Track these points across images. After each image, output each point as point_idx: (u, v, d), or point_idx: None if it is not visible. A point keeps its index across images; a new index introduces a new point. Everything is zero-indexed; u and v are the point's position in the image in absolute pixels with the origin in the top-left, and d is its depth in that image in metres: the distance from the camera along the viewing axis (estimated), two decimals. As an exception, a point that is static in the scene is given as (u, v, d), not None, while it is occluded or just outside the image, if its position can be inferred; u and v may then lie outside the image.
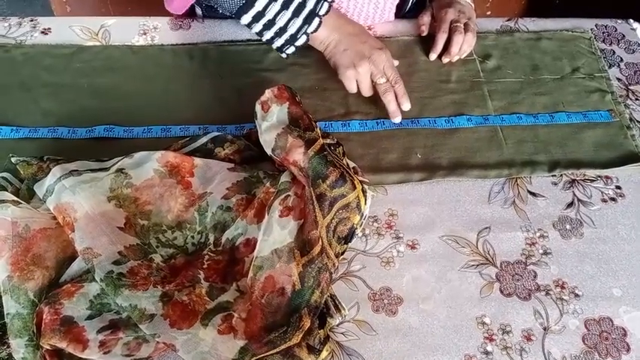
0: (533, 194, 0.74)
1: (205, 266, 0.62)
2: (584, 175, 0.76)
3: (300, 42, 0.80)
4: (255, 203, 0.66)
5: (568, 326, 0.63)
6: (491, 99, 0.83)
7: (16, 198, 0.63)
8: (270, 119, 0.68)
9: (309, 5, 0.77)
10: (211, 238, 0.66)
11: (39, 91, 0.82)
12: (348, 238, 0.64)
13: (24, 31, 0.89)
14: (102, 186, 0.65)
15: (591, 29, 0.93)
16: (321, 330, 0.59)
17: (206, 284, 0.61)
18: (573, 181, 0.75)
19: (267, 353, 0.56)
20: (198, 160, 0.69)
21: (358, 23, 0.83)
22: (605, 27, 0.94)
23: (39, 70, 0.84)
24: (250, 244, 0.64)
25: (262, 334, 0.58)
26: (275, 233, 0.62)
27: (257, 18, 0.77)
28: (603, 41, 0.92)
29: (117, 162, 0.68)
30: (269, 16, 0.77)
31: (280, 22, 0.77)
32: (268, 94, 0.69)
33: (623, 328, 0.63)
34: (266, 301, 0.60)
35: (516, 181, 0.75)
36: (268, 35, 0.79)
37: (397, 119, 0.78)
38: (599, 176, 0.76)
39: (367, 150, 0.77)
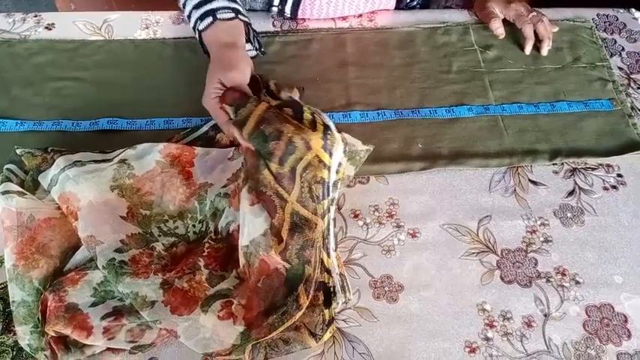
0: (534, 183, 0.74)
1: (205, 254, 0.63)
2: (586, 163, 0.76)
3: (197, 37, 0.77)
4: (235, 190, 0.67)
5: (569, 313, 0.64)
6: (492, 89, 0.83)
7: (21, 189, 0.64)
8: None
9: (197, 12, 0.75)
10: (211, 226, 0.66)
11: (43, 85, 0.83)
12: (324, 194, 0.63)
13: (28, 27, 0.90)
14: (105, 176, 0.65)
15: (593, 19, 0.93)
16: (327, 310, 0.60)
17: (206, 271, 0.62)
18: (574, 169, 0.75)
19: (268, 337, 0.57)
20: (199, 150, 0.70)
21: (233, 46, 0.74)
22: (607, 16, 0.93)
23: (43, 64, 0.85)
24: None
25: (261, 318, 0.58)
26: (249, 222, 0.62)
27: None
28: (605, 30, 0.92)
29: (120, 153, 0.69)
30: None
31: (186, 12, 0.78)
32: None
33: (624, 315, 0.63)
34: (262, 284, 0.60)
35: (517, 170, 0.75)
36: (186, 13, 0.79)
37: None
38: (601, 164, 0.76)
39: (368, 140, 0.76)
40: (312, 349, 0.60)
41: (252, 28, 0.80)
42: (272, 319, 0.58)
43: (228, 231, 0.66)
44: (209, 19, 0.73)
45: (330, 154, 0.63)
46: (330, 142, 0.63)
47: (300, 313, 0.58)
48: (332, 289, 0.62)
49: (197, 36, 0.76)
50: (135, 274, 0.59)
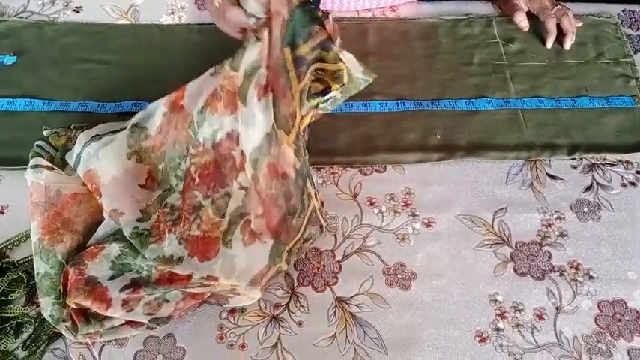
0: (552, 177, 0.74)
1: (196, 180, 0.62)
2: (604, 159, 0.75)
3: None
4: (219, 93, 0.61)
5: (581, 307, 0.64)
6: (513, 82, 0.83)
7: (50, 164, 0.66)
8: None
9: None
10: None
11: (70, 66, 0.85)
12: (322, 92, 0.61)
13: (57, 9, 0.92)
14: (120, 145, 0.66)
15: (618, 14, 0.92)
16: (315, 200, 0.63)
17: (207, 202, 0.61)
18: (593, 165, 0.75)
19: (295, 239, 0.59)
20: (189, 83, 0.66)
21: None
22: (633, 12, 0.92)
23: (70, 46, 0.87)
24: (232, 137, 0.61)
25: (284, 223, 0.60)
26: (259, 120, 0.58)
27: None
28: (630, 27, 0.91)
29: (132, 119, 0.68)
30: None
31: None
32: None
33: (637, 311, 0.63)
34: (276, 189, 0.59)
35: (535, 163, 0.75)
36: None
37: None
38: (620, 161, 0.75)
39: (387, 130, 0.78)
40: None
41: None
42: (295, 222, 0.59)
43: (214, 141, 0.62)
44: None
45: (351, 78, 0.61)
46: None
47: (313, 202, 0.59)
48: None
49: None
50: (158, 240, 0.61)
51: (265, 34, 0.57)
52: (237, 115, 0.59)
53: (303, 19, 0.56)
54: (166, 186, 0.66)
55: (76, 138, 0.68)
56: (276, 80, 0.57)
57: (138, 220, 0.62)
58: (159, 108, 0.67)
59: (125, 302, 0.59)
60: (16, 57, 0.85)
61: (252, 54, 0.58)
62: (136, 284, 0.60)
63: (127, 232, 0.61)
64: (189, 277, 0.59)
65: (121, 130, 0.68)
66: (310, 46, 0.57)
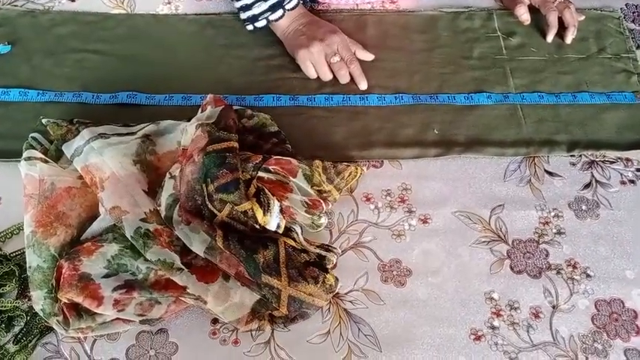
0: (550, 174, 0.73)
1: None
2: (604, 156, 0.74)
3: (259, 24, 0.82)
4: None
5: (577, 306, 0.63)
6: (513, 77, 0.82)
7: (44, 156, 0.66)
8: (201, 116, 0.68)
9: None
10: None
11: (65, 56, 0.84)
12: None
13: (52, -2, 0.91)
14: (129, 149, 0.66)
15: (621, 9, 0.90)
16: (328, 274, 0.62)
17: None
18: (592, 162, 0.74)
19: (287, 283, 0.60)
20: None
21: (314, 15, 0.85)
22: (636, 7, 0.91)
23: (65, 36, 0.86)
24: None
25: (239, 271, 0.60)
26: (193, 240, 0.61)
27: None
28: (633, 21, 0.89)
29: (143, 127, 0.69)
30: None
31: (247, 0, 0.80)
32: (209, 98, 0.70)
33: (634, 311, 0.63)
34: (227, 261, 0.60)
35: (534, 160, 0.74)
36: (237, 5, 0.82)
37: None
38: (619, 158, 0.74)
39: (384, 124, 0.77)
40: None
41: None
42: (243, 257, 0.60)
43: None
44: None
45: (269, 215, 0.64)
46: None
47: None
48: (317, 258, 0.63)
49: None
50: (160, 245, 0.61)
51: (177, 172, 0.65)
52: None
53: (213, 162, 0.62)
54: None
55: (78, 131, 0.67)
56: (194, 209, 0.62)
57: (141, 220, 0.62)
58: (174, 132, 0.69)
59: (117, 302, 0.58)
60: (10, 46, 0.84)
61: (169, 189, 0.64)
62: (129, 286, 0.59)
63: (129, 232, 0.60)
64: (185, 288, 0.59)
65: (129, 134, 0.68)
66: (215, 186, 0.62)
